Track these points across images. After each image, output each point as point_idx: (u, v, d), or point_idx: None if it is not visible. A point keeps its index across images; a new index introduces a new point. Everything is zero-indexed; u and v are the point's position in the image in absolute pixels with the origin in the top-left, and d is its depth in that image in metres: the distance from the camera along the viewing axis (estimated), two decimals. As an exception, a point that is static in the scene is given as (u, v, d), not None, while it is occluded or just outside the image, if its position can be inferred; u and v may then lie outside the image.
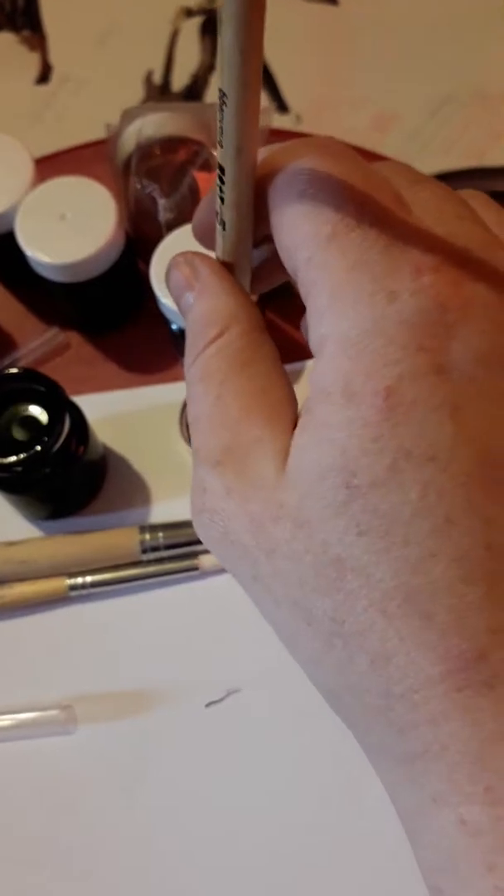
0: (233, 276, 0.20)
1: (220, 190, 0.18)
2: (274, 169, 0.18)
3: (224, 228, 0.19)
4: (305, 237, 0.17)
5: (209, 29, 1.13)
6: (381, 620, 0.15)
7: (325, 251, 0.16)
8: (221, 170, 0.18)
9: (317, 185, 0.17)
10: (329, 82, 1.08)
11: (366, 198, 0.16)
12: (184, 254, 0.21)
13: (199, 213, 0.21)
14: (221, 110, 0.16)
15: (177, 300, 0.21)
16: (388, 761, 0.16)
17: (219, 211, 0.19)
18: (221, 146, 0.17)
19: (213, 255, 0.21)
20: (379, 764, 0.16)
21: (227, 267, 0.20)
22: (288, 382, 0.18)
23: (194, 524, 0.18)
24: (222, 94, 0.16)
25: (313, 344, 0.16)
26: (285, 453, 0.16)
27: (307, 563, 0.16)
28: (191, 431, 0.19)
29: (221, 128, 0.17)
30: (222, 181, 0.18)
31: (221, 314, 0.19)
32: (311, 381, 0.16)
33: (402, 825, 0.16)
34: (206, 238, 0.21)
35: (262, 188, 0.18)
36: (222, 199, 0.18)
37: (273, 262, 0.22)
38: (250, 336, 0.19)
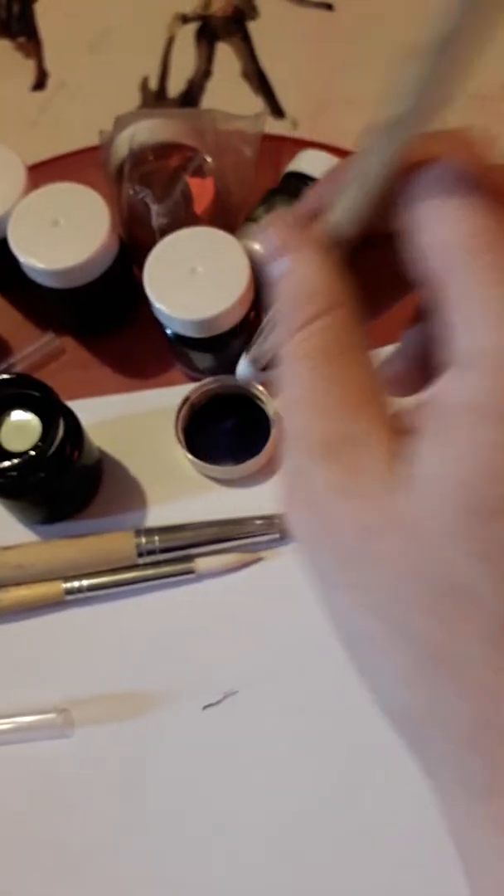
0: (335, 251, 0.19)
1: (363, 163, 0.17)
2: (419, 159, 0.17)
3: (345, 203, 0.18)
4: (454, 241, 0.16)
5: (204, 35, 1.13)
6: (493, 653, 0.14)
7: (477, 261, 0.15)
8: (372, 140, 0.16)
9: (470, 186, 0.16)
10: (325, 86, 1.09)
11: None
12: (288, 213, 0.20)
13: (320, 188, 0.20)
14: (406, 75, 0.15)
15: (269, 258, 0.19)
16: (464, 794, 0.15)
17: (346, 185, 0.18)
18: (392, 110, 0.16)
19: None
20: (450, 795, 0.16)
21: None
22: (379, 377, 0.18)
23: (287, 515, 0.17)
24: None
25: (456, 353, 0.15)
26: (392, 454, 0.15)
27: (416, 579, 0.15)
28: (285, 413, 0.18)
29: (401, 89, 0.16)
30: (370, 152, 0.17)
31: (329, 289, 0.18)
32: (445, 389, 0.15)
33: (461, 861, 0.15)
34: (307, 218, 0.20)
35: (404, 176, 0.17)
36: (358, 174, 0.17)
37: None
38: (354, 319, 0.18)
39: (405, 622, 0.15)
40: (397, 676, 0.15)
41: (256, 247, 0.44)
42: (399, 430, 0.16)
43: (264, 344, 0.29)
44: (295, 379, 0.17)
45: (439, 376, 0.16)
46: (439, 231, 0.16)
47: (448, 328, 0.16)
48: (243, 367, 0.36)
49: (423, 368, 0.23)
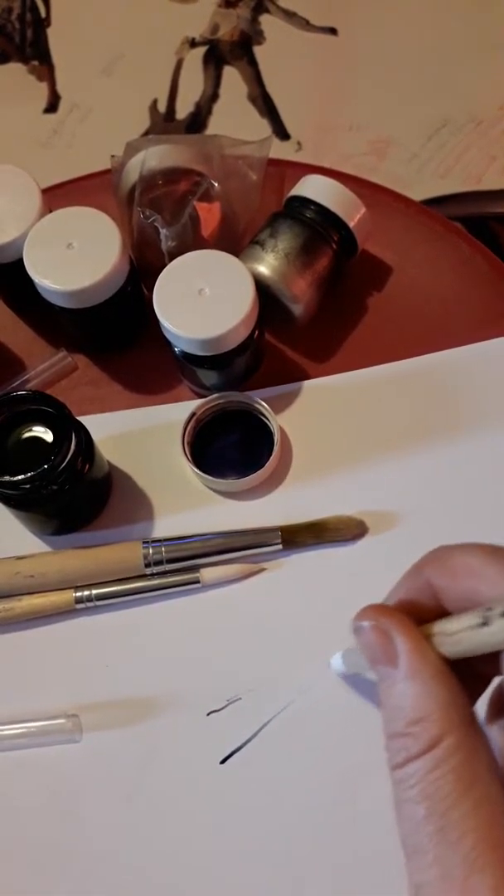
0: (435, 651, 0.20)
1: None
2: None
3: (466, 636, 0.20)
4: None
5: (212, 59, 1.16)
6: None
7: None
8: None
9: None
10: (328, 109, 1.11)
11: None
12: (376, 611, 0.21)
13: (434, 576, 0.22)
14: None
15: (372, 664, 0.20)
16: None
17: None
18: None
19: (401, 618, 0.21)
20: None
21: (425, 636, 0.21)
22: (498, 788, 0.18)
23: None
24: None
25: None
26: None
27: None
28: (408, 866, 0.19)
29: None
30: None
31: (435, 711, 0.19)
32: None
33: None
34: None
35: None
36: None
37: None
38: (470, 742, 0.18)
39: None
40: None
41: (261, 269, 0.46)
42: None
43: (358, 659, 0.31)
44: (409, 820, 0.18)
45: None
46: None
47: None
48: (337, 663, 0.39)
49: None
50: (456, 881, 0.18)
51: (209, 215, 0.48)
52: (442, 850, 0.18)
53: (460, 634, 0.20)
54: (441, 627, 0.21)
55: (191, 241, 0.47)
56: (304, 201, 0.47)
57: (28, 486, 0.39)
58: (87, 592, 0.44)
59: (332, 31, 1.13)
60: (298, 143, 1.04)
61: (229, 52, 1.12)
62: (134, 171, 0.49)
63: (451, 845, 0.18)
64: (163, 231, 0.47)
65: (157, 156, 0.49)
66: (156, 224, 0.47)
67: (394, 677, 0.20)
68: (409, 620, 0.21)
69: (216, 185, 0.49)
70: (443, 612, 0.23)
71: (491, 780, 0.19)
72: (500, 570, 0.20)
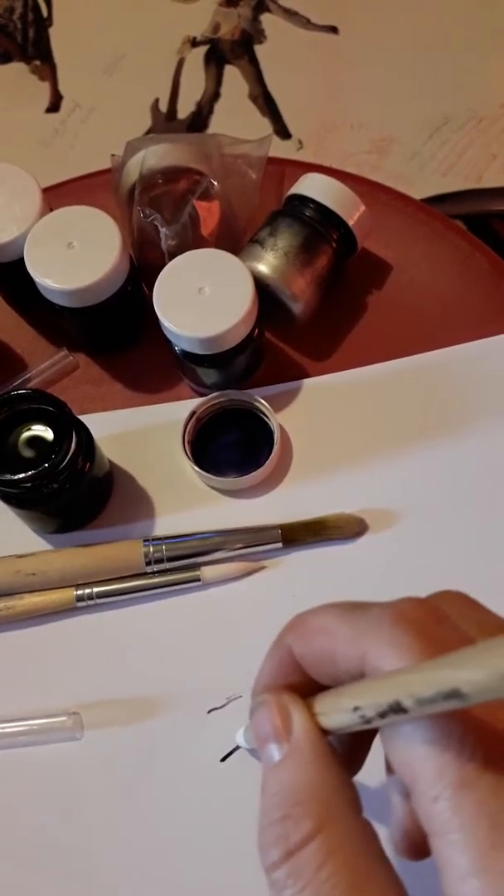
0: (325, 739, 0.19)
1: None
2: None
3: (340, 718, 0.19)
4: (430, 774, 0.16)
5: (213, 58, 1.16)
6: None
7: (457, 796, 0.15)
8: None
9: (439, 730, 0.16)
10: (330, 108, 1.11)
11: (492, 736, 0.16)
12: (277, 693, 0.20)
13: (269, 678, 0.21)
14: None
15: (259, 744, 0.20)
16: None
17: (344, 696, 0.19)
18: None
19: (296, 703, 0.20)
20: None
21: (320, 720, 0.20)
22: (395, 881, 0.17)
23: None
24: None
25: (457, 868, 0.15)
26: None
27: None
28: None
29: None
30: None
31: (316, 798, 0.17)
32: None
33: None
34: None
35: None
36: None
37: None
38: (352, 833, 0.17)
39: None
40: None
41: (261, 268, 0.46)
42: None
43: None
44: None
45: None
46: (414, 762, 0.16)
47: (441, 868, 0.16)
48: (240, 739, 0.39)
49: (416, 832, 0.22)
50: None
51: (209, 214, 0.48)
52: None
53: (335, 718, 0.20)
54: (319, 707, 0.21)
55: (190, 239, 0.47)
56: (304, 200, 0.48)
57: (29, 484, 0.40)
58: (87, 591, 0.44)
59: (333, 29, 1.13)
60: (300, 142, 1.04)
61: (230, 51, 1.12)
62: (134, 170, 0.49)
63: None
64: (163, 230, 0.47)
65: (157, 155, 0.49)
66: (156, 223, 0.47)
67: (283, 756, 0.19)
68: (298, 697, 0.20)
69: (216, 183, 0.49)
70: (309, 681, 0.22)
71: (388, 871, 0.17)
72: (352, 625, 0.19)
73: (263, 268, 0.46)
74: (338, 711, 0.19)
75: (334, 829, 0.17)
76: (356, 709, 0.18)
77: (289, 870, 0.17)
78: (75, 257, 0.43)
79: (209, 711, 0.42)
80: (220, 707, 0.42)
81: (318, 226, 0.47)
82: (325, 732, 0.20)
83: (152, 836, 0.40)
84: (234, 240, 0.50)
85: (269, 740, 0.19)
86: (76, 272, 0.43)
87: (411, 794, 0.17)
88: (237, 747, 0.41)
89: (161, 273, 0.43)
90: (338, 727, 0.19)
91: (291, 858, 0.17)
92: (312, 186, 0.48)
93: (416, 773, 0.16)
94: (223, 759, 0.41)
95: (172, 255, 0.44)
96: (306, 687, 0.22)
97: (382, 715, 0.17)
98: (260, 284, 0.45)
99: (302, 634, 0.21)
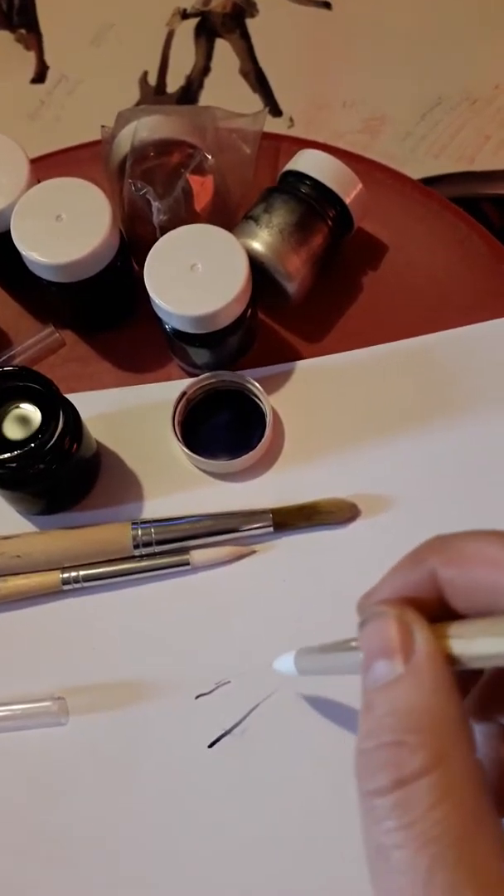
0: (450, 666, 0.18)
1: None
2: None
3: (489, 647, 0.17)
4: None
5: (204, 31, 1.13)
6: None
7: None
8: None
9: None
10: (321, 85, 1.09)
11: None
12: (399, 606, 0.18)
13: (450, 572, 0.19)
14: None
15: (368, 658, 0.18)
16: None
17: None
18: None
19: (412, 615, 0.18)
20: None
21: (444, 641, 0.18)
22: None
23: None
24: None
25: None
26: None
27: None
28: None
29: None
30: None
31: (436, 728, 0.16)
32: None
33: None
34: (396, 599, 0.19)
35: None
36: None
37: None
38: (469, 776, 0.15)
39: None
40: None
41: (255, 245, 0.45)
42: None
43: (324, 660, 0.27)
44: (402, 877, 0.15)
45: None
46: None
47: None
48: (285, 665, 0.34)
49: None
50: None
51: (202, 189, 0.47)
52: None
53: (481, 642, 0.18)
54: (457, 631, 0.19)
55: (183, 214, 0.46)
56: (300, 176, 0.46)
57: (14, 464, 0.39)
58: (74, 574, 0.43)
59: (326, 5, 1.11)
60: (291, 120, 1.02)
61: (221, 24, 1.10)
62: (125, 142, 0.48)
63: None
64: (154, 204, 0.45)
65: (149, 127, 0.48)
66: (147, 197, 0.46)
67: (399, 677, 0.17)
68: (423, 617, 0.18)
69: (210, 157, 0.47)
70: (444, 609, 0.20)
71: (498, 826, 0.15)
72: None
73: (258, 245, 0.45)
74: (491, 635, 0.17)
75: (452, 766, 0.15)
76: None
77: (396, 800, 0.15)
78: (63, 230, 0.42)
79: (197, 697, 0.42)
80: (208, 693, 0.42)
81: (314, 203, 0.46)
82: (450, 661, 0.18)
83: (138, 821, 0.40)
84: (228, 216, 0.49)
85: (383, 655, 0.17)
86: (64, 246, 0.42)
87: None
88: (225, 733, 0.41)
89: (152, 248, 0.42)
90: (480, 655, 0.18)
91: (403, 789, 0.15)
92: (309, 163, 0.47)
93: None
94: (211, 745, 0.41)
95: (164, 230, 0.43)
96: (428, 613, 0.20)
97: None
98: (254, 262, 0.44)
99: (455, 560, 0.19)
